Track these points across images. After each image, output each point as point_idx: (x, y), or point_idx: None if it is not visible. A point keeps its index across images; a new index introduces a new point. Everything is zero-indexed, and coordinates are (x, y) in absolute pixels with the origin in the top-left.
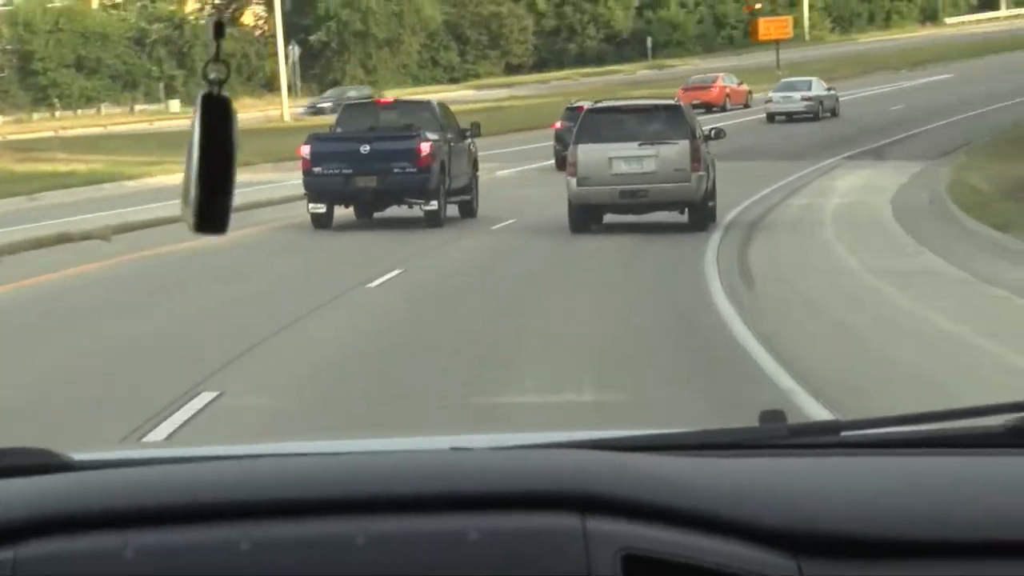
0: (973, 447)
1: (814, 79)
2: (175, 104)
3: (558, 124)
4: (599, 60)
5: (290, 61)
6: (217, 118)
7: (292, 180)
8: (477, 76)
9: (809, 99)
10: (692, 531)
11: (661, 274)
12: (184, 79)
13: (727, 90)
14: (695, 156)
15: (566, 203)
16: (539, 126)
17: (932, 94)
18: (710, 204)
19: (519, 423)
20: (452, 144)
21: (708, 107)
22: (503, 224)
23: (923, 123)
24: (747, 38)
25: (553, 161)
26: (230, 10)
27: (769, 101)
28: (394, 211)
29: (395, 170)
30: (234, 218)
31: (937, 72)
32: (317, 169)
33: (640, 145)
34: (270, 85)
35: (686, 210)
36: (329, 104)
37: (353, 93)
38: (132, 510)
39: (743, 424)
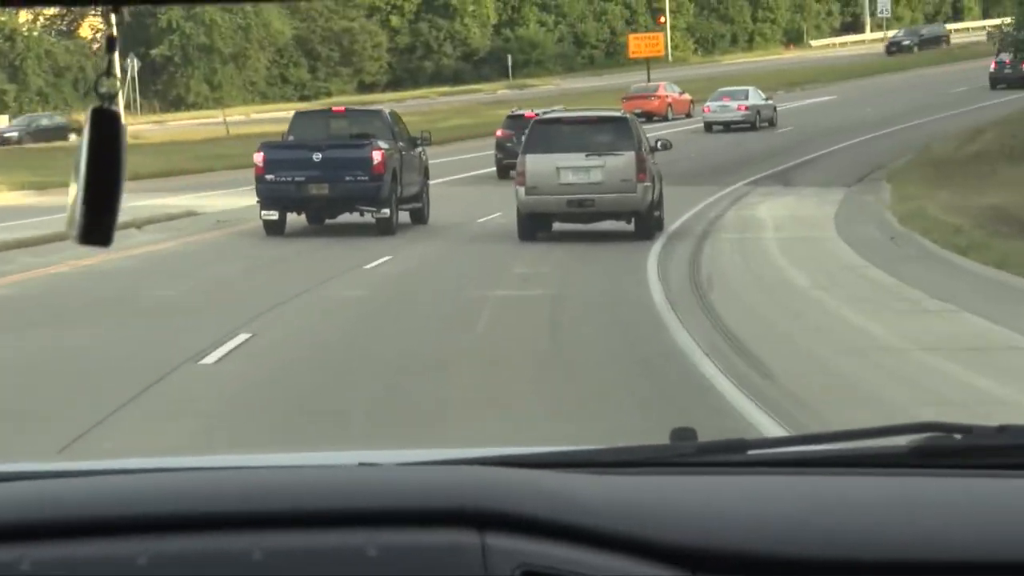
0: (878, 467)
1: (751, 88)
2: (3, 120)
3: (499, 132)
4: (456, 79)
5: (128, 75)
6: (107, 132)
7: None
8: (328, 94)
9: (746, 108)
10: (591, 548)
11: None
12: (16, 93)
13: (669, 99)
14: (641, 167)
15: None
16: None
17: (818, 115)
18: (656, 214)
19: (438, 435)
20: (403, 152)
21: (649, 116)
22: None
23: (819, 146)
24: (609, 58)
25: (495, 169)
26: (65, 22)
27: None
28: (345, 218)
29: (347, 178)
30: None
31: (817, 94)
32: (270, 176)
33: (587, 156)
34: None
35: (632, 219)
36: (15, 133)
37: (45, 122)
38: (29, 523)
39: (655, 441)
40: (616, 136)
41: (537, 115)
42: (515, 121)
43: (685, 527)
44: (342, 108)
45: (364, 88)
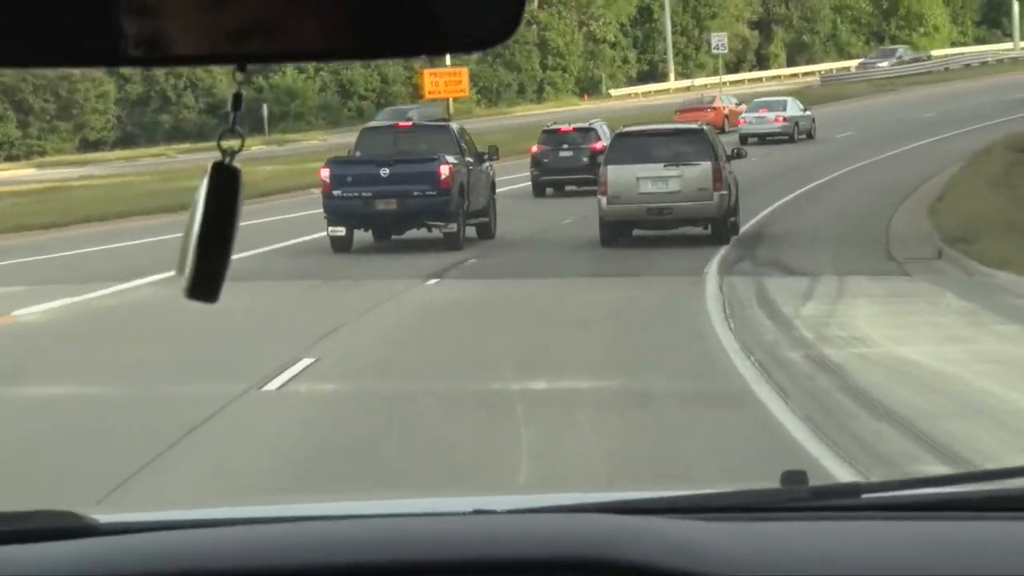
0: (994, 511)
1: (789, 99)
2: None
3: (534, 148)
4: (200, 134)
5: None
6: (225, 188)
7: None
8: (43, 153)
9: (784, 120)
10: None
11: None
12: None
13: (726, 110)
14: (717, 176)
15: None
16: (128, 213)
17: None
18: (731, 220)
19: (538, 478)
20: (470, 167)
21: None
22: None
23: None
24: (378, 108)
25: (531, 185)
26: None
27: (741, 121)
28: (412, 234)
29: (415, 193)
30: None
31: None
32: (337, 192)
33: (666, 166)
34: None
35: (709, 225)
36: None
37: None
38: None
39: (764, 485)
40: (693, 147)
41: (574, 128)
42: (550, 136)
43: (804, 574)
44: (408, 123)
45: (88, 146)
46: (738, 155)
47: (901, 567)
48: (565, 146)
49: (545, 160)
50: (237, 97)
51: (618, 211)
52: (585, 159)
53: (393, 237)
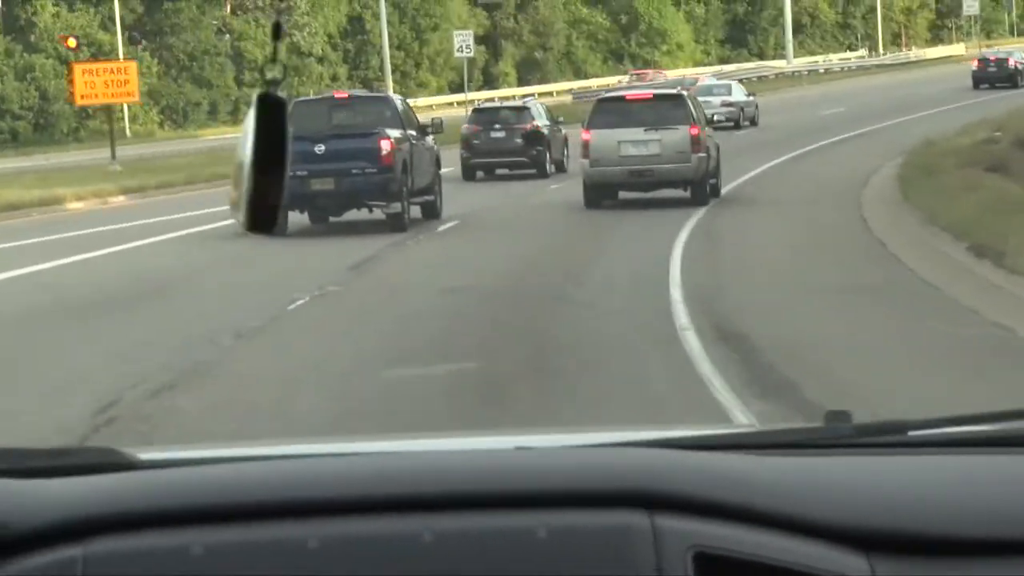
0: None
1: (733, 83)
2: None
3: (465, 128)
4: None
5: None
6: (272, 118)
7: None
8: None
9: (730, 105)
10: (763, 530)
11: None
12: None
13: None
14: (695, 140)
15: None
16: None
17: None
18: (711, 182)
19: (577, 418)
20: (414, 142)
21: None
22: None
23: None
24: (41, 132)
25: (460, 169)
26: None
27: None
28: (352, 214)
29: (354, 171)
30: None
31: None
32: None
33: (646, 130)
34: None
35: (688, 187)
36: None
37: None
38: (199, 508)
39: (807, 424)
40: (673, 112)
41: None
42: (481, 115)
43: (857, 508)
44: (345, 94)
45: None
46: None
47: (951, 500)
48: (497, 126)
49: (475, 141)
50: (277, 27)
51: (600, 174)
52: (519, 140)
53: (331, 219)
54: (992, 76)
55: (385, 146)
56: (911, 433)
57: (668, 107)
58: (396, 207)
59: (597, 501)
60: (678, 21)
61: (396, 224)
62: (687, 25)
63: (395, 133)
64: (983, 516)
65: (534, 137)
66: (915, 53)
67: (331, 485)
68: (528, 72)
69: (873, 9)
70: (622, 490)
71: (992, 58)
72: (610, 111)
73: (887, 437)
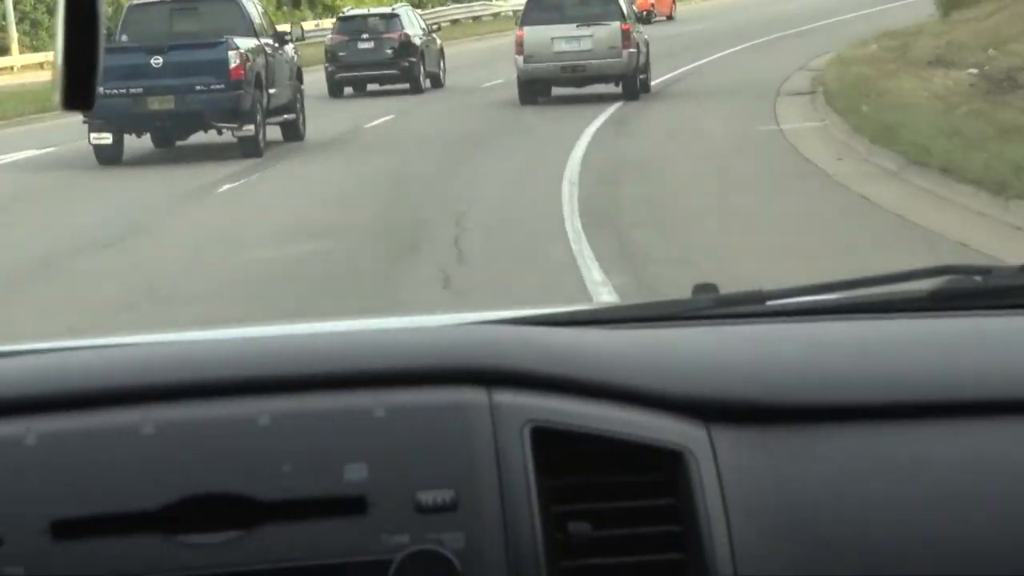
0: (896, 311)
1: None
2: None
3: (330, 38)
4: None
5: None
6: None
7: None
8: None
9: None
10: (602, 402)
11: None
12: None
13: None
14: (626, 36)
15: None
16: None
17: None
18: (641, 77)
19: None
20: (269, 52)
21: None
22: None
23: None
24: None
25: (326, 87)
26: None
27: None
28: (199, 138)
29: (198, 87)
30: None
31: None
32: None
33: (578, 26)
34: None
35: (620, 83)
36: None
37: None
38: (31, 396)
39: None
40: (603, 8)
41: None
42: (348, 24)
43: (698, 378)
44: None
45: None
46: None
47: (799, 367)
48: (365, 36)
49: (342, 53)
50: None
51: (534, 70)
52: (389, 51)
53: (177, 143)
54: None
55: (234, 57)
56: (769, 303)
57: (599, 3)
58: (249, 129)
59: (436, 378)
60: None
61: (249, 148)
62: None
63: (247, 42)
64: (826, 383)
65: (406, 48)
66: None
67: (164, 369)
68: None
69: None
70: (461, 367)
71: None
72: (543, 7)
73: (745, 307)
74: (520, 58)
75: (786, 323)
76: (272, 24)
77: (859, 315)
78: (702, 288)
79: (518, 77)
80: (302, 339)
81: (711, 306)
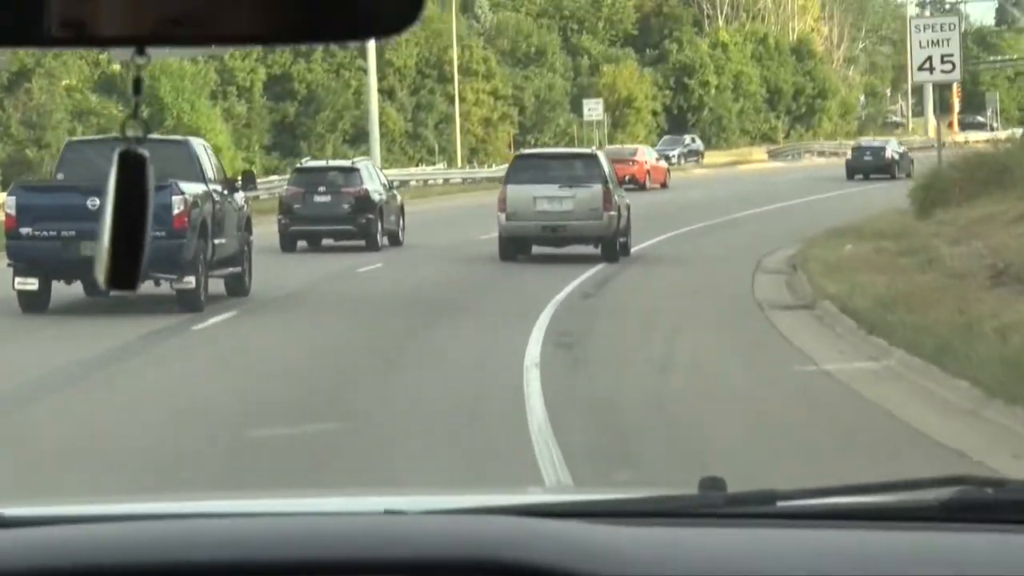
0: (908, 520)
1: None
2: None
3: (287, 191)
4: None
5: None
6: (133, 175)
7: None
8: None
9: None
10: None
11: None
12: None
13: (647, 166)
14: (607, 199)
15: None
16: None
17: None
18: (621, 240)
19: (450, 483)
20: (217, 199)
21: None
22: None
23: None
24: None
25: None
26: None
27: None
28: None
29: None
30: None
31: None
32: (26, 230)
33: (560, 187)
34: None
35: (599, 244)
36: None
37: None
38: (61, 570)
39: (683, 491)
40: (586, 171)
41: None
42: (306, 176)
43: None
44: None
45: None
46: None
47: (812, 574)
48: (322, 189)
49: (297, 206)
50: (137, 82)
51: (515, 228)
52: (346, 206)
53: (112, 292)
54: (868, 166)
55: (178, 203)
56: (780, 504)
57: (582, 166)
58: (189, 281)
59: (453, 570)
60: (215, 119)
61: (189, 302)
62: (226, 125)
63: (194, 188)
64: None
65: (363, 203)
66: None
67: (196, 549)
68: (18, 173)
69: (448, 119)
70: (477, 560)
71: (867, 146)
72: (528, 167)
73: (756, 508)
74: (503, 215)
75: (796, 528)
76: (223, 170)
77: (871, 523)
78: (710, 482)
79: (499, 234)
80: (325, 522)
81: (722, 505)
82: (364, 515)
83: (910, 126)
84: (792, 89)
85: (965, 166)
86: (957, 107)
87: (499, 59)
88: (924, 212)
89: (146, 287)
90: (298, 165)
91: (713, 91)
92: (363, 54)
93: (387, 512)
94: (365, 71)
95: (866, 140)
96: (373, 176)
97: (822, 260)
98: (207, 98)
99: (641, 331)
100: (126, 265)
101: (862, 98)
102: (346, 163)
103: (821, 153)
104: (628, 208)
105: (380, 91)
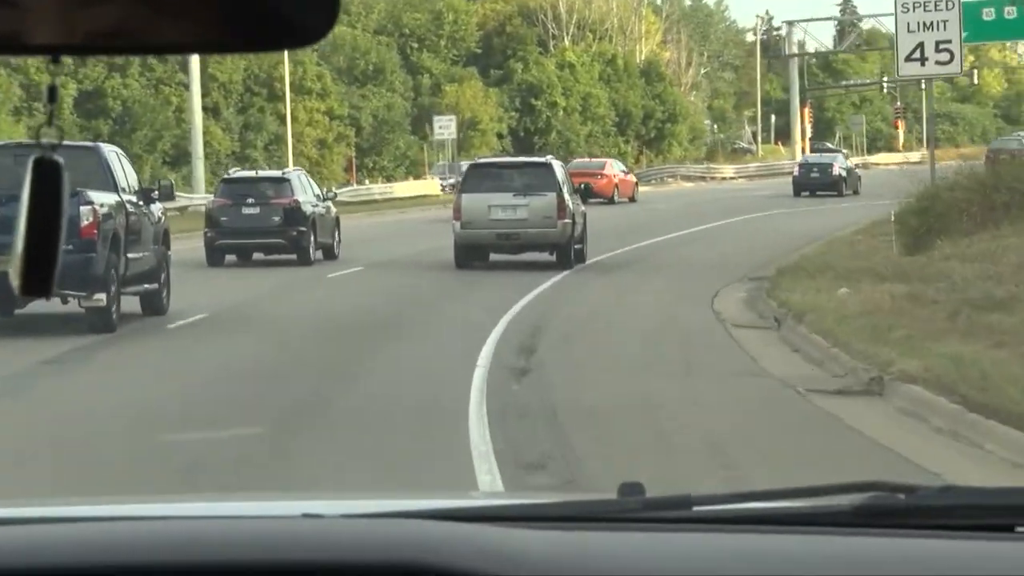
0: (820, 526)
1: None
2: None
3: (213, 201)
4: None
5: None
6: (48, 183)
7: None
8: None
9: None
10: None
11: None
12: None
13: (615, 180)
14: (561, 206)
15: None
16: None
17: None
18: (576, 247)
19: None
20: (131, 210)
21: (590, 195)
22: None
23: None
24: None
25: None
26: None
27: None
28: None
29: None
30: None
31: None
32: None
33: (515, 196)
34: None
35: (554, 252)
36: None
37: None
38: None
39: (602, 496)
40: (540, 179)
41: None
42: (233, 186)
43: None
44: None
45: None
46: (587, 189)
47: None
48: (251, 200)
49: (224, 218)
50: (52, 90)
51: (470, 236)
52: (276, 218)
53: (16, 311)
54: (815, 183)
55: (87, 213)
56: (696, 509)
57: (537, 174)
58: (100, 298)
59: (374, 574)
60: (18, 138)
61: (99, 321)
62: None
63: (104, 197)
64: None
65: (295, 215)
66: (380, 189)
67: (115, 552)
68: None
69: (279, 139)
70: (393, 564)
71: (814, 162)
72: (482, 176)
73: (673, 512)
74: (457, 223)
75: (711, 532)
76: (137, 178)
77: (784, 527)
78: (629, 487)
79: (455, 241)
80: (242, 525)
81: (639, 509)
82: (281, 519)
83: (759, 152)
84: (642, 112)
85: (977, 187)
86: (809, 132)
87: (335, 77)
88: (921, 244)
89: (53, 304)
90: (225, 175)
91: (561, 113)
92: (184, 68)
93: (305, 516)
94: (187, 87)
95: (813, 156)
96: (306, 187)
97: (818, 309)
98: (8, 114)
99: None
100: (40, 272)
101: (708, 123)
102: (276, 173)
103: (687, 177)
104: (584, 216)
105: (204, 108)
